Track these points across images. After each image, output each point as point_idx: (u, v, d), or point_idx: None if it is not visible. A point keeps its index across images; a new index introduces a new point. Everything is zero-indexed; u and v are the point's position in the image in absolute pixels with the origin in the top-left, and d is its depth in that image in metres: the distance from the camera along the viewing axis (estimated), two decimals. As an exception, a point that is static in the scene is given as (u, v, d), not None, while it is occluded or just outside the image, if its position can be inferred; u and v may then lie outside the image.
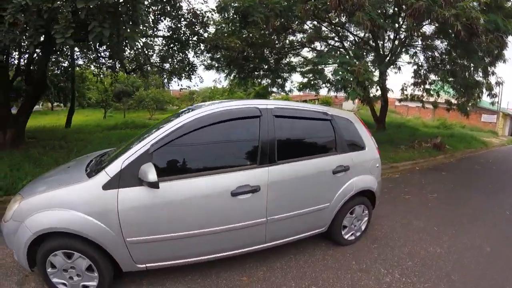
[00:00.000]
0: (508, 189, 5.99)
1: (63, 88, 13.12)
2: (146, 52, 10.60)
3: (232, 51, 8.55)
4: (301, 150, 2.91)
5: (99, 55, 9.95)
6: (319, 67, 9.08)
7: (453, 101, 10.42)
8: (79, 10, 3.90)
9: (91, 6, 3.76)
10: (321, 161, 2.90)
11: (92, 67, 12.35)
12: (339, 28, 10.24)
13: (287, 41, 11.32)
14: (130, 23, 4.20)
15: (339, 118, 3.19)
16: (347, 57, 7.39)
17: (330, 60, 7.55)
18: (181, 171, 2.38)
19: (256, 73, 12.32)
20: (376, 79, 9.81)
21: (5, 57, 5.35)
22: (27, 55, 8.09)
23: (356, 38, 10.44)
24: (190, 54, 10.51)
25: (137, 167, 2.13)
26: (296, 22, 10.27)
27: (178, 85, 13.14)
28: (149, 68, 11.73)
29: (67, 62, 11.33)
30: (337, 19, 9.28)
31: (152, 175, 2.05)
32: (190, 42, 9.50)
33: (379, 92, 9.91)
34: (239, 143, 2.69)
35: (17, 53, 8.06)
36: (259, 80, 13.19)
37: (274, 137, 2.61)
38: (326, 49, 10.80)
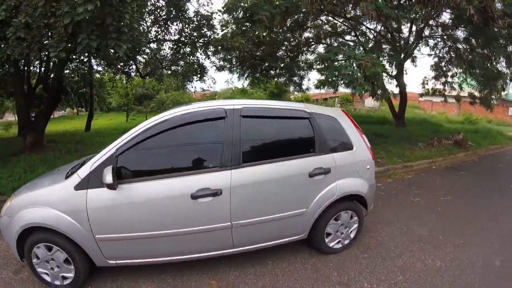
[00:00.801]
0: (536, 191, 5.36)
1: (83, 93, 13.72)
2: (157, 56, 10.82)
3: (237, 51, 8.48)
4: (272, 151, 2.75)
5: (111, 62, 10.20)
6: (326, 62, 8.72)
7: (477, 94, 9.65)
8: (68, 24, 4.10)
9: (78, 20, 3.91)
10: (295, 164, 2.71)
11: (106, 73, 12.73)
12: (353, 23, 9.85)
13: (303, 38, 11.02)
14: (116, 33, 4.37)
15: (320, 116, 2.95)
16: (357, 51, 7.05)
17: (338, 55, 7.18)
18: (144, 173, 2.45)
19: (272, 72, 12.13)
20: (393, 73, 9.40)
21: (13, 68, 5.67)
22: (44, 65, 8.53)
23: (372, 32, 9.99)
24: (201, 56, 10.58)
25: (103, 170, 2.27)
26: (310, 18, 10.05)
27: (192, 87, 13.40)
28: (163, 71, 11.91)
29: (85, 69, 11.77)
30: (352, 13, 8.91)
31: (108, 178, 2.18)
32: (198, 44, 9.53)
33: (392, 88, 9.42)
34: (202, 146, 2.66)
35: (38, 63, 8.51)
36: (276, 79, 12.99)
37: (239, 139, 2.54)
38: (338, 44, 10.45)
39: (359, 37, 10.17)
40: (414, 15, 6.97)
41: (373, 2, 5.82)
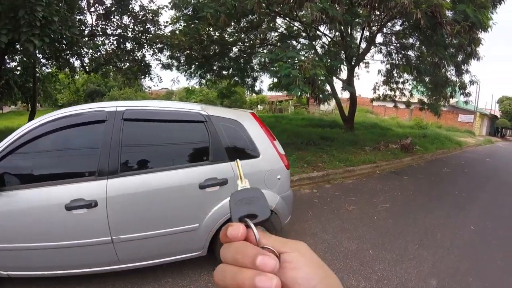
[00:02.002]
0: (477, 198, 5.37)
1: (28, 88, 12.41)
2: (101, 52, 10.03)
3: (178, 49, 8.03)
4: (157, 159, 2.47)
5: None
6: (268, 64, 8.54)
7: (426, 100, 9.94)
8: None
9: None
10: (182, 173, 2.40)
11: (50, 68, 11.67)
12: (306, 26, 9.72)
13: (257, 39, 10.73)
14: (28, 27, 4.08)
15: (220, 119, 2.60)
16: (308, 54, 6.82)
17: (281, 56, 6.91)
18: (23, 180, 2.27)
19: (224, 72, 11.75)
20: (344, 76, 9.40)
21: None
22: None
23: (327, 37, 9.93)
24: (148, 53, 10.00)
25: None
26: (266, 20, 9.79)
27: (139, 85, 12.65)
28: (109, 67, 11.11)
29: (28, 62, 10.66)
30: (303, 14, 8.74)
31: None
32: (141, 41, 8.92)
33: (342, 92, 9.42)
34: (80, 152, 2.44)
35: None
36: (228, 80, 12.63)
37: (118, 144, 2.29)
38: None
39: (313, 42, 10.07)
40: (361, 19, 6.89)
41: (316, 4, 5.67)
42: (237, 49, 10.88)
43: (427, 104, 9.75)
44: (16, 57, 9.84)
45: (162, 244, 2.40)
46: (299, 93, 5.89)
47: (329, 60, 7.47)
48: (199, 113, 2.56)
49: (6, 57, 8.29)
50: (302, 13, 7.20)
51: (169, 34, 8.60)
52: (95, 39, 7.52)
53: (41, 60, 9.62)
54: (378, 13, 6.72)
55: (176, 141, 2.59)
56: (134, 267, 2.43)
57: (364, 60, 9.93)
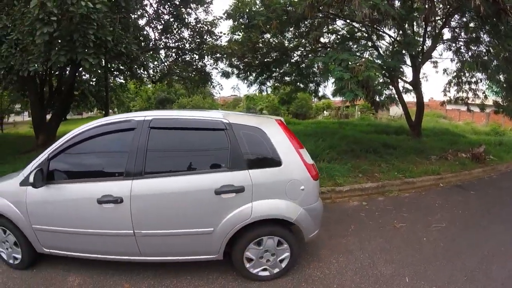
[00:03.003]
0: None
1: (102, 97, 14.22)
2: (165, 63, 10.89)
3: (231, 58, 8.30)
4: (178, 164, 2.66)
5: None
6: (321, 68, 8.18)
7: (501, 102, 8.54)
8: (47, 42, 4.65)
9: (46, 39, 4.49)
10: (199, 179, 2.53)
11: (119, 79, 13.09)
12: (368, 27, 9.13)
13: (319, 44, 10.45)
14: (82, 48, 4.82)
15: (241, 127, 2.62)
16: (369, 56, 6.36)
17: (333, 58, 6.58)
18: (66, 176, 2.75)
19: (287, 78, 11.68)
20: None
21: (16, 77, 6.19)
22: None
23: (390, 37, 9.20)
24: (209, 63, 10.53)
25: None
26: (326, 23, 9.50)
27: (201, 93, 13.38)
28: (172, 77, 12.01)
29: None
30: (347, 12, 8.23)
31: (31, 178, 2.54)
32: (199, 52, 9.47)
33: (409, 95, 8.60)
34: (113, 155, 2.80)
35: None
36: (291, 86, 12.50)
37: (144, 150, 2.56)
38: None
39: (374, 42, 9.43)
40: (415, 14, 6.21)
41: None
42: (298, 54, 10.74)
43: (502, 107, 8.41)
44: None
45: (179, 243, 2.59)
46: (352, 97, 5.57)
47: (388, 60, 6.88)
48: (221, 121, 2.63)
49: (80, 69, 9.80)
50: (349, 11, 6.75)
51: (225, 44, 8.90)
52: (158, 52, 8.26)
53: (114, 72, 10.86)
54: (434, 4, 5.97)
55: (196, 148, 2.72)
56: (154, 260, 2.73)
57: (431, 59, 8.92)
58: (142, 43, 7.50)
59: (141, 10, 7.18)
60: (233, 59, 9.05)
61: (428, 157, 7.18)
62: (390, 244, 3.50)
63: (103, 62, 5.06)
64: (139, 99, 23.61)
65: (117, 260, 2.75)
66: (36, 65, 4.82)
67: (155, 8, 8.69)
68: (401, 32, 8.17)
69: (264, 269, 2.70)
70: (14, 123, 21.71)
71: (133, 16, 6.84)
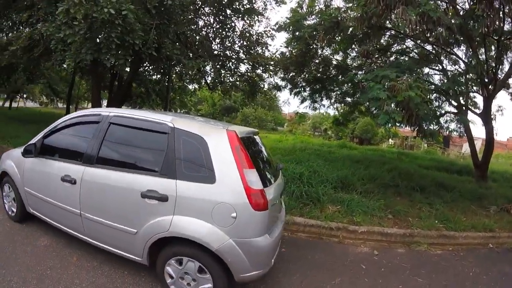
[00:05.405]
0: None
1: (164, 97, 15.38)
2: (220, 71, 11.22)
3: (275, 68, 8.09)
4: (121, 160, 2.76)
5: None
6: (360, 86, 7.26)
7: None
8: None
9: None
10: (131, 178, 2.54)
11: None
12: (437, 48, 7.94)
13: (368, 59, 9.59)
14: (106, 49, 5.32)
15: (183, 133, 2.46)
16: (394, 71, 5.43)
17: (374, 75, 5.76)
18: (48, 153, 3.21)
19: (348, 99, 10.86)
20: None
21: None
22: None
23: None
24: (265, 75, 10.51)
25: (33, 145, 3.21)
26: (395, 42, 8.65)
27: (255, 105, 13.44)
28: (227, 86, 12.32)
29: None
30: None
31: (21, 150, 3.31)
32: (245, 61, 9.51)
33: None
34: (80, 142, 3.03)
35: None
36: (341, 104, 11.70)
37: (100, 142, 2.78)
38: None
39: (444, 65, 8.11)
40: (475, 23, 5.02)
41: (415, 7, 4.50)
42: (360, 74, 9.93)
43: None
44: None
45: (110, 234, 2.68)
46: (386, 121, 4.77)
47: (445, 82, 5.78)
48: (166, 124, 2.55)
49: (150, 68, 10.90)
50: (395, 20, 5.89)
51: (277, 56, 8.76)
52: (206, 59, 8.56)
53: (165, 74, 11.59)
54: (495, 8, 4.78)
55: (139, 147, 2.75)
56: (93, 243, 2.90)
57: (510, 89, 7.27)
58: (188, 50, 7.82)
59: (190, 17, 7.53)
60: (277, 70, 8.83)
61: (487, 208, 5.75)
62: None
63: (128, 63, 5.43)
64: (205, 103, 25.10)
65: (73, 235, 3.05)
66: (69, 61, 5.49)
67: (205, 20, 9.07)
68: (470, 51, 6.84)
69: (184, 292, 2.41)
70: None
71: (184, 25, 7.17)
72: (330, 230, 4.31)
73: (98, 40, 5.12)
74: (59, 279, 2.68)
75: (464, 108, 6.87)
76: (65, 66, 5.58)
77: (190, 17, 7.42)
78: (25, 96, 27.69)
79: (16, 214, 3.58)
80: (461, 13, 5.70)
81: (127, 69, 9.04)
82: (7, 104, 23.40)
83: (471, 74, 6.30)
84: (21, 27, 8.37)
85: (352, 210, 4.77)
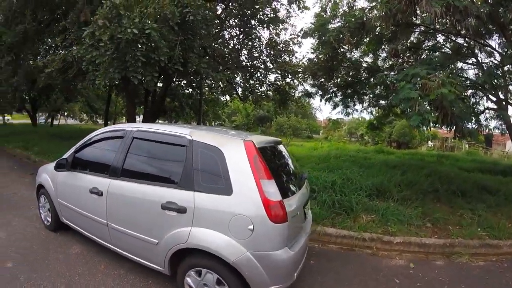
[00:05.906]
0: None
1: (198, 109, 15.87)
2: (249, 82, 11.35)
3: (303, 75, 7.98)
4: (144, 173, 2.85)
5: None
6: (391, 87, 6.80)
7: None
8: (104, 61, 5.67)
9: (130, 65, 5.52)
10: (153, 190, 2.61)
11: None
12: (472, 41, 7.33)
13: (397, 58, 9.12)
14: (132, 67, 5.59)
15: (201, 145, 2.48)
16: (425, 68, 5.04)
17: (405, 74, 5.40)
18: (78, 167, 3.45)
19: (383, 102, 10.44)
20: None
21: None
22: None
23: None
24: (294, 83, 10.47)
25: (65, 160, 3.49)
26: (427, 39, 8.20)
27: (284, 114, 13.35)
28: (257, 96, 12.43)
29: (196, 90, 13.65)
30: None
31: (54, 165, 3.54)
32: (272, 70, 9.51)
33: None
34: (106, 156, 3.19)
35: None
36: (376, 108, 11.21)
37: (125, 156, 2.92)
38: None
39: (479, 59, 7.44)
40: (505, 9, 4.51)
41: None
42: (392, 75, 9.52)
43: None
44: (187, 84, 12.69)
45: (134, 244, 2.76)
46: (419, 122, 4.46)
47: (479, 75, 5.28)
48: (185, 137, 2.59)
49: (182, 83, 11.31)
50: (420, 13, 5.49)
51: (304, 62, 8.68)
52: (233, 71, 8.71)
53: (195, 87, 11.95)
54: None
55: (161, 161, 2.83)
56: (119, 252, 3.01)
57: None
58: (216, 63, 8.02)
59: (216, 30, 7.74)
60: (306, 77, 8.70)
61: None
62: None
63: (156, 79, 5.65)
64: (239, 114, 25.44)
65: (101, 244, 3.21)
66: (99, 80, 5.86)
67: (231, 32, 9.25)
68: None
69: (204, 304, 2.40)
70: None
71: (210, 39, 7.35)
72: (363, 241, 4.06)
73: (125, 59, 5.41)
74: (86, 285, 2.81)
75: (504, 103, 6.21)
76: (96, 84, 5.91)
77: (216, 30, 7.60)
78: (65, 114, 30.16)
79: (51, 224, 3.87)
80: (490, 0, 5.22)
81: (159, 84, 9.51)
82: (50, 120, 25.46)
83: (508, 66, 5.68)
84: (56, 51, 9.02)
85: (387, 219, 4.46)
